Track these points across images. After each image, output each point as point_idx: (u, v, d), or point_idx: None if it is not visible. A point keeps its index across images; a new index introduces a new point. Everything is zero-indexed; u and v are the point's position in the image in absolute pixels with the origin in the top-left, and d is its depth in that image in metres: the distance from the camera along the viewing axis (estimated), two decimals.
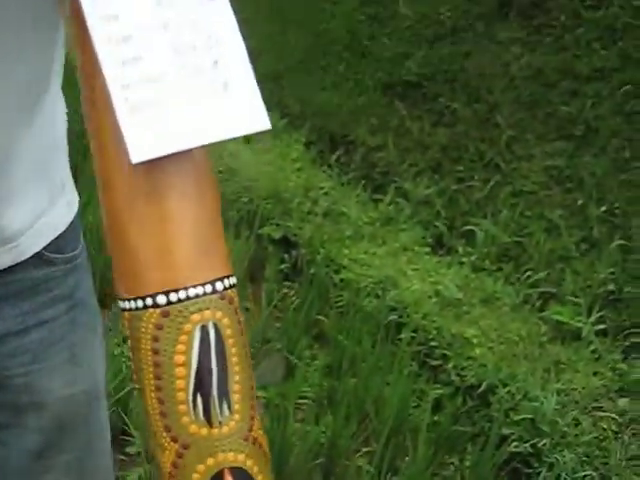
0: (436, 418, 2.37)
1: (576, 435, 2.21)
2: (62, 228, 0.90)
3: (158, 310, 0.57)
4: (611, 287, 2.89)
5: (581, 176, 3.15)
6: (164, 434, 0.57)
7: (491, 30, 3.55)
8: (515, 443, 2.19)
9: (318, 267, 2.86)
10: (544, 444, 2.16)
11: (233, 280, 0.60)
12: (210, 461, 0.56)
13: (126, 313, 0.59)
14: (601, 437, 2.23)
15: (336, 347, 2.56)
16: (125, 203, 0.57)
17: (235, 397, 0.57)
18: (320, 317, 2.72)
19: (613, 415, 2.29)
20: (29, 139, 0.79)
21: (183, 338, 0.56)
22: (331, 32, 4.10)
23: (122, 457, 2.14)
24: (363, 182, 3.41)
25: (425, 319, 2.60)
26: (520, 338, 2.57)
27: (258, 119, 0.56)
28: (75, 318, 0.95)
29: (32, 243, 0.86)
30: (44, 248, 0.87)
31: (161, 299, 0.57)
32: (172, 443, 0.56)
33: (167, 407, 0.56)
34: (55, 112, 0.85)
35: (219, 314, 0.57)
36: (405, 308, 2.65)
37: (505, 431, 2.24)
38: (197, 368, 0.56)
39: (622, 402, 2.35)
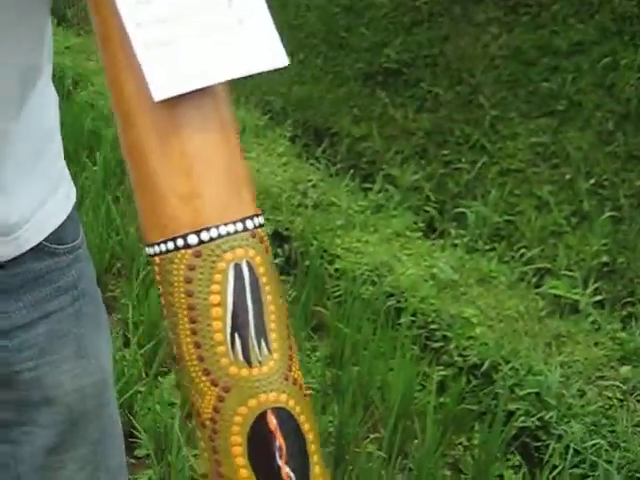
0: (442, 400, 2.36)
1: (582, 406, 2.21)
2: (62, 218, 0.89)
3: (190, 250, 0.55)
4: (605, 258, 2.91)
5: (567, 151, 3.16)
6: (203, 378, 0.55)
7: (467, 13, 3.56)
8: (522, 418, 2.19)
9: (312, 259, 2.86)
10: (551, 417, 2.17)
11: (262, 220, 0.59)
12: (252, 402, 0.55)
13: (156, 258, 0.57)
14: (606, 406, 2.23)
15: (336, 336, 2.56)
16: (148, 141, 0.55)
17: (272, 336, 0.56)
18: (318, 308, 2.72)
19: (617, 383, 2.30)
20: (21, 129, 0.78)
21: (217, 277, 0.55)
22: (307, 26, 4.09)
23: (131, 460, 2.12)
24: (351, 172, 3.41)
25: (423, 302, 2.60)
26: (519, 314, 2.57)
27: (275, 55, 0.56)
28: (80, 309, 0.94)
29: (32, 235, 0.85)
30: (45, 239, 0.86)
31: (192, 239, 0.56)
32: (212, 387, 0.55)
33: (204, 350, 0.55)
34: (46, 102, 0.84)
35: (252, 252, 0.56)
36: (402, 293, 2.65)
37: (511, 407, 2.24)
38: (233, 308, 0.55)
39: (624, 370, 2.36)
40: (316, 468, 0.56)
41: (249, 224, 0.57)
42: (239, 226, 0.56)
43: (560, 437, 2.13)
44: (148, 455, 2.22)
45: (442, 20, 3.64)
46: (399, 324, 2.56)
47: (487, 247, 3.01)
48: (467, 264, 2.83)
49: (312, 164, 3.48)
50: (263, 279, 0.56)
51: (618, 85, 3.12)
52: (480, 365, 2.39)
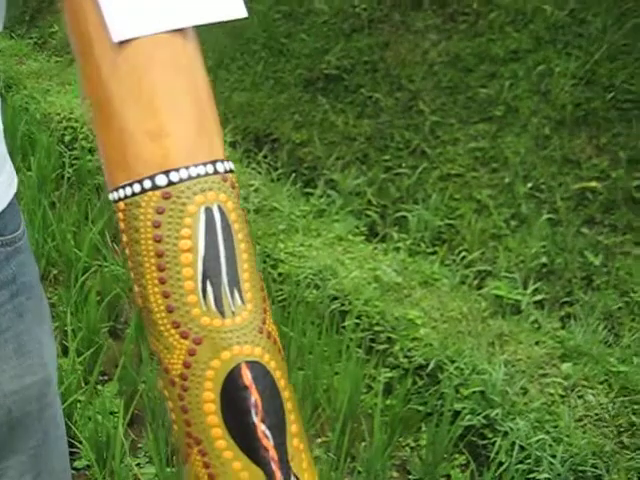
0: (388, 401, 2.36)
1: (525, 403, 2.24)
2: (2, 205, 0.85)
3: (158, 192, 0.52)
4: (543, 260, 2.96)
5: (505, 155, 3.22)
6: (172, 331, 0.52)
7: (407, 20, 3.60)
8: (468, 417, 2.20)
9: None
10: (496, 414, 2.19)
11: (232, 165, 0.55)
12: (225, 355, 0.51)
13: (121, 204, 0.53)
14: (549, 402, 2.27)
15: (281, 340, 2.53)
16: (114, 80, 0.52)
17: (246, 286, 0.53)
18: None
19: (558, 380, 2.34)
20: None
21: (187, 221, 0.51)
22: (247, 32, 4.07)
23: (71, 471, 2.05)
24: (292, 177, 3.40)
25: (367, 305, 2.60)
26: (462, 315, 2.60)
27: (235, 6, 0.55)
28: (20, 305, 0.88)
29: None
30: None
31: (161, 180, 0.52)
32: (182, 340, 0.51)
33: (174, 300, 0.51)
34: None
35: (223, 196, 0.53)
36: (346, 296, 2.64)
37: (457, 406, 2.26)
38: (205, 254, 0.51)
39: (565, 367, 2.40)
40: (293, 427, 0.53)
41: (220, 167, 0.54)
42: (210, 168, 0.53)
43: (505, 434, 2.15)
44: (88, 466, 2.15)
45: (382, 27, 3.67)
46: (344, 327, 2.55)
47: (429, 250, 3.04)
48: (410, 267, 2.84)
49: (253, 169, 3.46)
50: (235, 226, 0.53)
51: (553, 91, 3.20)
52: (425, 366, 2.40)
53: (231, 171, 0.55)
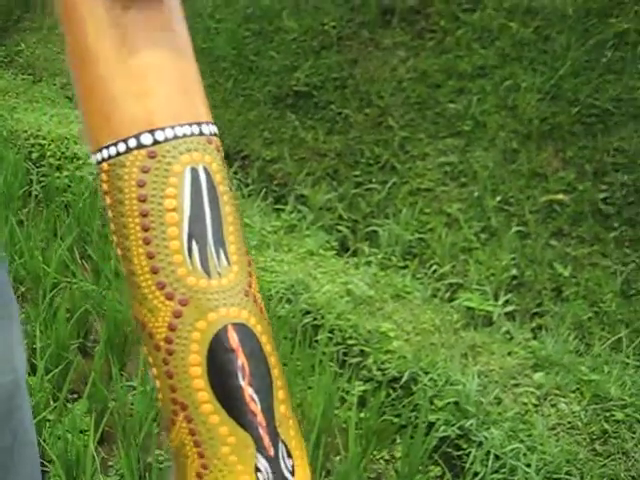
0: (362, 414, 2.35)
1: (499, 413, 2.25)
2: None
3: (143, 151, 0.51)
4: (513, 272, 2.99)
5: (474, 169, 3.25)
6: (157, 293, 0.50)
7: (375, 37, 3.64)
8: (443, 427, 2.20)
9: None
10: (471, 424, 2.19)
11: (216, 129, 0.55)
12: (212, 316, 0.50)
13: (104, 164, 0.52)
14: (523, 411, 2.27)
15: None
16: (101, 46, 0.52)
17: (232, 248, 0.52)
18: None
19: (531, 389, 2.35)
20: None
21: (173, 181, 0.50)
22: (216, 49, 4.08)
23: None
24: (263, 193, 3.39)
25: (340, 319, 2.59)
26: (435, 327, 2.60)
27: None
28: None
29: None
30: None
31: (146, 138, 0.51)
32: (167, 301, 0.50)
33: (159, 261, 0.50)
34: None
35: (208, 158, 0.52)
36: (319, 310, 2.63)
37: (432, 418, 2.25)
38: (190, 213, 0.50)
39: (538, 377, 2.41)
40: (280, 393, 0.52)
41: (205, 129, 0.53)
42: (195, 129, 0.53)
43: (480, 444, 2.15)
44: None
45: (351, 44, 3.70)
46: (317, 341, 2.54)
47: (400, 264, 3.05)
48: (381, 280, 2.85)
49: None
50: (220, 187, 0.52)
51: (520, 106, 3.25)
52: (399, 378, 2.39)
53: (215, 135, 0.55)
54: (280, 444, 0.51)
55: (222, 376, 0.50)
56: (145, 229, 0.51)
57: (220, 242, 0.52)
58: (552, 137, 3.15)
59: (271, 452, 0.51)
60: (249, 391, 0.50)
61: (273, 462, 0.51)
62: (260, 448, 0.51)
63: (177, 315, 0.50)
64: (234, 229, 0.53)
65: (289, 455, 0.52)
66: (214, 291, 0.51)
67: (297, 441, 0.53)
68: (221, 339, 0.50)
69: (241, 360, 0.50)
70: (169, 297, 0.50)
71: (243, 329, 0.51)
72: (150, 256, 0.51)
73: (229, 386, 0.50)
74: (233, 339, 0.51)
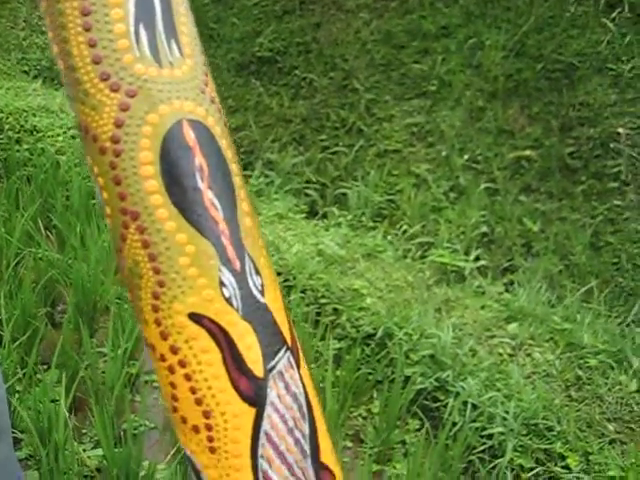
0: (338, 372, 2.33)
1: (475, 364, 2.25)
2: None
3: None
4: (484, 229, 2.99)
5: (441, 129, 3.24)
6: (100, 86, 0.44)
7: (338, 0, 3.60)
8: (420, 379, 2.20)
9: None
10: (447, 376, 2.18)
11: None
12: (164, 109, 0.44)
13: None
14: (498, 362, 2.28)
15: None
16: None
17: (184, 40, 0.45)
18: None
19: (506, 340, 2.35)
20: None
21: None
22: None
23: None
24: None
25: (312, 279, 2.57)
26: (407, 284, 2.59)
27: None
28: None
29: None
30: None
31: None
32: (113, 94, 0.44)
33: (102, 48, 0.44)
34: None
35: None
36: (290, 271, 2.60)
37: (408, 371, 2.25)
38: None
39: (512, 327, 2.42)
40: (244, 205, 0.47)
41: None
42: None
43: (457, 394, 2.15)
44: (29, 457, 2.06)
45: (313, 8, 3.65)
46: (289, 302, 2.52)
47: (370, 225, 3.03)
48: (352, 240, 2.83)
49: None
50: None
51: (485, 64, 3.23)
52: (373, 335, 2.38)
53: None
54: (247, 258, 0.46)
55: (178, 176, 0.45)
56: (85, 13, 0.45)
57: (171, 30, 0.46)
58: (518, 94, 3.15)
59: (237, 266, 0.46)
60: (209, 195, 0.45)
61: (239, 277, 0.45)
62: (224, 260, 0.45)
63: (124, 108, 0.45)
64: (187, 21, 0.47)
65: (257, 272, 0.46)
66: (166, 81, 0.45)
67: (266, 260, 0.48)
68: (175, 134, 0.45)
69: (199, 159, 0.45)
70: (114, 88, 0.45)
71: (200, 127, 0.46)
72: (92, 44, 0.45)
73: (186, 187, 0.45)
74: (189, 135, 0.45)
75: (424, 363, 2.25)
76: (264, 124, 3.59)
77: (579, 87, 3.02)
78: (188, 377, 0.45)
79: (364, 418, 2.32)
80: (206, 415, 0.45)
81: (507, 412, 2.07)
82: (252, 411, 0.45)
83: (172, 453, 2.02)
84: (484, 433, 2.09)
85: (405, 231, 3.04)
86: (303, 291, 2.53)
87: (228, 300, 0.45)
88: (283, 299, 0.49)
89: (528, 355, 2.33)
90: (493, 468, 2.04)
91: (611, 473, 1.92)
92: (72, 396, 2.16)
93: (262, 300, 0.46)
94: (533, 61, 3.13)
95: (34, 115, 3.50)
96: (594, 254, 2.85)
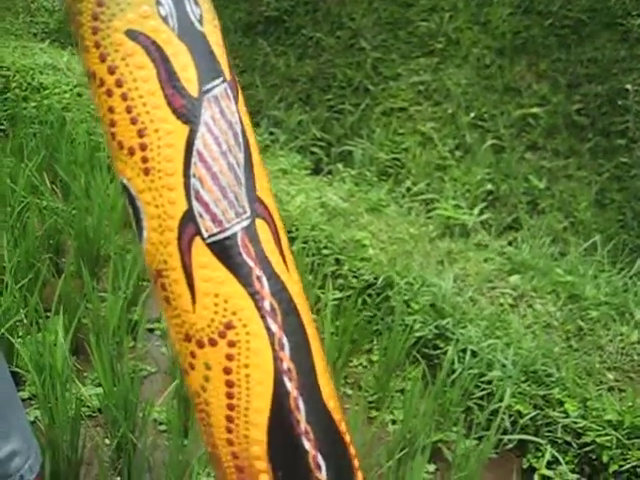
0: (338, 322, 2.34)
1: (476, 313, 2.24)
2: None
3: None
4: (489, 187, 2.97)
5: (447, 87, 3.21)
6: None
7: None
8: (420, 326, 2.20)
9: None
10: (447, 323, 2.18)
11: None
12: None
13: None
14: (499, 312, 2.27)
15: None
16: None
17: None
18: None
19: (508, 291, 2.35)
20: None
21: None
22: None
23: None
24: None
25: (314, 230, 2.56)
26: (410, 237, 2.59)
27: None
28: None
29: None
30: None
31: None
32: None
33: None
34: None
35: None
36: (293, 223, 2.60)
37: (408, 320, 2.24)
38: None
39: (514, 279, 2.41)
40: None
41: None
42: None
43: (457, 342, 2.15)
44: (32, 397, 2.08)
45: None
46: (291, 252, 2.52)
47: (375, 181, 3.02)
48: (356, 195, 2.82)
49: None
50: None
51: (492, 21, 3.20)
52: (375, 285, 2.38)
53: None
54: None
55: None
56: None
57: None
58: (525, 51, 3.12)
59: None
60: None
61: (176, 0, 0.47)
62: None
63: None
64: None
65: (196, 4, 0.48)
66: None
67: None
68: None
69: None
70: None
71: None
72: None
73: None
74: None
75: (425, 311, 2.25)
76: (271, 84, 3.58)
77: (587, 43, 2.99)
78: (124, 96, 0.47)
79: (365, 367, 2.33)
80: (140, 134, 0.46)
81: (506, 359, 2.07)
82: (185, 129, 0.46)
83: (168, 393, 2.03)
84: (482, 380, 2.09)
85: (409, 189, 3.03)
86: (305, 242, 2.53)
87: (164, 19, 0.47)
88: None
89: (529, 306, 2.33)
90: (491, 414, 2.04)
91: (608, 417, 1.92)
92: (73, 340, 2.18)
93: (200, 28, 0.48)
94: (541, 17, 3.10)
95: (41, 73, 3.50)
96: (599, 211, 2.84)
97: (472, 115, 3.12)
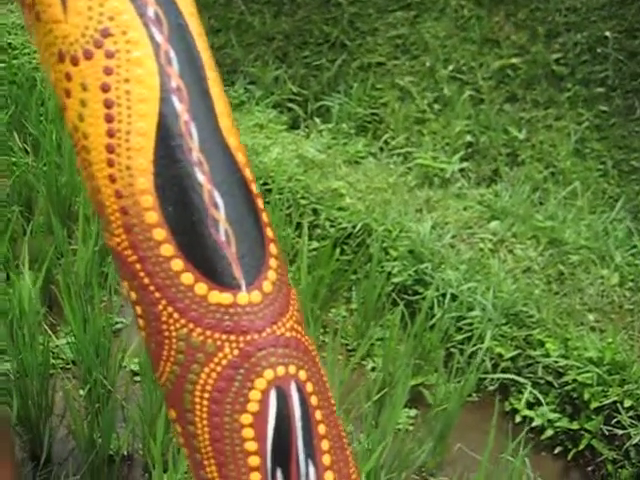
0: (315, 272, 2.30)
1: (455, 258, 2.21)
2: None
3: None
4: (468, 138, 2.93)
5: (425, 40, 3.16)
6: None
7: None
8: (398, 271, 2.16)
9: None
10: (426, 267, 2.15)
11: None
12: None
13: None
14: (479, 257, 2.24)
15: None
16: None
17: None
18: None
19: (488, 236, 2.32)
20: None
21: None
22: None
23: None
24: None
25: (290, 181, 2.52)
26: (389, 186, 2.55)
27: None
28: None
29: None
30: None
31: None
32: None
33: None
34: None
35: None
36: (269, 174, 2.55)
37: (387, 266, 2.21)
38: None
39: (493, 225, 2.38)
40: None
41: None
42: None
43: (436, 286, 2.11)
44: (1, 352, 2.03)
45: None
46: (267, 203, 2.47)
47: (353, 134, 2.97)
48: (334, 147, 2.78)
49: None
50: None
51: None
52: (352, 234, 2.34)
53: None
54: None
55: None
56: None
57: None
58: (503, 1, 3.07)
59: None
60: None
61: None
62: None
63: None
64: None
65: None
66: None
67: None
68: None
69: None
70: None
71: None
72: None
73: None
74: None
75: (403, 257, 2.21)
76: (247, 43, 3.51)
77: None
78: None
79: (344, 318, 2.29)
80: None
81: (486, 301, 2.04)
82: None
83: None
84: (463, 322, 2.07)
85: (387, 142, 2.99)
86: (281, 193, 2.49)
87: None
88: None
89: (510, 251, 2.30)
90: (471, 357, 2.01)
91: (589, 354, 1.90)
92: (47, 294, 2.13)
93: None
94: None
95: (9, 33, 3.41)
96: (579, 160, 2.81)
97: (450, 68, 3.07)
